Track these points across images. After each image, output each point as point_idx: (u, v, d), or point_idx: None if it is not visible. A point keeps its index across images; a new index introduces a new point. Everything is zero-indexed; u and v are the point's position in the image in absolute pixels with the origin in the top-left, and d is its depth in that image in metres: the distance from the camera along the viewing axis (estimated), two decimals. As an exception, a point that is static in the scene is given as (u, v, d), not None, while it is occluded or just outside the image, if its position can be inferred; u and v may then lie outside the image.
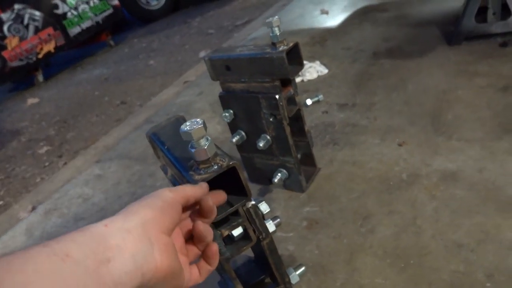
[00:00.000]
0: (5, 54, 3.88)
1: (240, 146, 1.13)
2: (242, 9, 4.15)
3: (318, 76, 1.78)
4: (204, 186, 0.49)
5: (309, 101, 1.05)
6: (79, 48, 4.62)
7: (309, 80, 1.77)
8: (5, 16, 3.94)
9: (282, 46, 0.91)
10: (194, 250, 0.48)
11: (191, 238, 0.49)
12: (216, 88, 2.10)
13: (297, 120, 1.07)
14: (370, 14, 2.33)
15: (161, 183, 1.40)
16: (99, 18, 4.61)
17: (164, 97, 2.26)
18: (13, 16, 3.98)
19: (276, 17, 0.89)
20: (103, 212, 1.34)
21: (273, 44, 0.92)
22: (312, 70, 1.82)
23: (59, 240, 0.35)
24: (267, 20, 0.90)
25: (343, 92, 1.58)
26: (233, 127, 1.11)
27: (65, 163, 2.02)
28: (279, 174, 1.08)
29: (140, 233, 0.40)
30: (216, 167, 0.53)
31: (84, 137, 2.33)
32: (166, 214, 0.44)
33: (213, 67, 1.04)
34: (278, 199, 1.12)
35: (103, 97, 2.87)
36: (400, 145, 1.18)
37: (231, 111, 1.08)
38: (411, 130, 1.23)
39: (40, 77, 4.24)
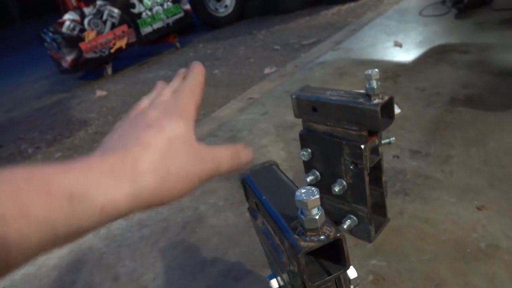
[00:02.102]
0: (82, 45, 4.15)
1: (312, 185, 1.13)
2: (308, 28, 4.16)
3: (389, 115, 1.74)
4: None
5: None
6: (146, 46, 4.85)
7: (379, 118, 1.74)
8: (87, 10, 4.23)
9: (377, 99, 0.90)
10: None
11: None
12: (281, 111, 2.13)
13: (375, 169, 1.05)
14: (448, 54, 2.25)
15: (223, 203, 1.42)
16: (170, 20, 4.82)
17: (227, 111, 2.31)
18: (94, 11, 4.26)
19: (376, 70, 0.89)
20: (166, 223, 1.39)
21: (368, 96, 0.92)
22: (383, 108, 1.78)
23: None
24: (366, 72, 0.89)
25: (416, 138, 1.53)
26: (308, 166, 1.11)
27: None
28: (348, 221, 1.07)
29: None
30: (323, 237, 0.53)
31: (147, 138, 2.43)
32: None
33: (299, 105, 1.05)
34: (342, 244, 1.10)
35: (167, 100, 2.99)
36: (479, 208, 1.12)
37: (309, 151, 1.08)
38: (491, 193, 1.17)
39: (109, 70, 4.50)
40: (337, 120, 0.99)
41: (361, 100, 0.93)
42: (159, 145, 0.42)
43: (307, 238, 0.53)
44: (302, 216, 0.52)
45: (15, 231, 0.29)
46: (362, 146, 0.96)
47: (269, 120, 2.00)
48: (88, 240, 1.40)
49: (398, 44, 2.61)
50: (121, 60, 4.70)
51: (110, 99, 3.46)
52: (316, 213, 0.52)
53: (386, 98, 0.91)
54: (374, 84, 0.89)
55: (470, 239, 1.03)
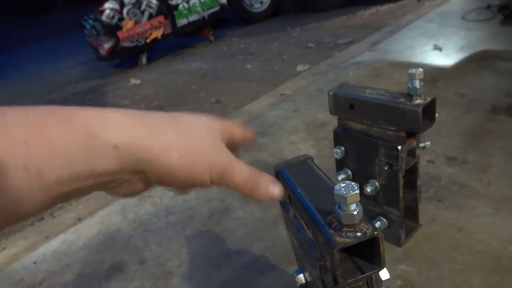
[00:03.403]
0: (119, 34, 4.26)
1: (342, 184, 1.11)
2: (344, 27, 4.10)
3: (425, 119, 1.69)
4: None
5: None
6: (180, 38, 4.92)
7: (414, 122, 1.69)
8: (127, 0, 4.32)
9: (419, 100, 0.88)
10: None
11: None
12: (313, 108, 2.11)
13: (410, 172, 1.03)
14: (491, 60, 2.15)
15: (250, 196, 1.43)
16: (206, 13, 4.86)
17: (258, 106, 2.31)
18: (133, 1, 4.36)
19: (420, 70, 0.86)
20: (192, 212, 1.41)
21: (409, 96, 0.89)
22: (419, 112, 1.73)
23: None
24: (410, 72, 0.87)
25: (452, 144, 1.48)
26: (341, 164, 1.09)
27: (159, 151, 2.15)
28: (378, 223, 1.05)
29: None
30: (359, 233, 0.52)
31: (178, 128, 2.47)
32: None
33: (336, 102, 1.03)
34: (370, 246, 1.08)
35: (199, 92, 3.02)
36: (517, 222, 1.07)
37: (343, 149, 1.06)
38: (533, 207, 1.11)
39: (144, 60, 4.59)
40: (374, 119, 0.96)
41: (402, 100, 0.90)
42: (187, 124, 0.43)
43: (343, 234, 0.52)
44: (339, 211, 0.51)
45: (36, 158, 0.30)
46: (399, 147, 0.93)
47: (300, 117, 1.99)
48: (116, 223, 1.44)
49: (438, 48, 2.53)
50: (156, 51, 4.79)
51: (143, 87, 3.54)
52: (355, 208, 0.51)
53: (428, 99, 0.88)
54: (417, 84, 0.87)
55: (506, 252, 0.98)
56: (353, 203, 0.51)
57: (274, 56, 3.57)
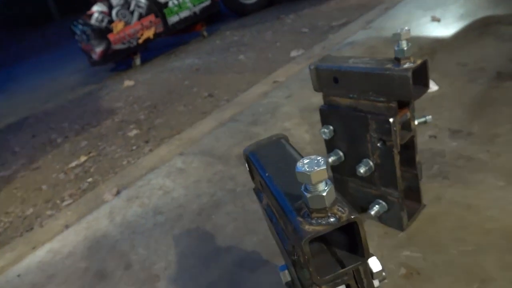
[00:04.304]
0: (110, 36, 4.18)
1: (334, 166, 1.02)
2: (339, 10, 3.97)
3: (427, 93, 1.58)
4: None
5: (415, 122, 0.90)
6: (174, 36, 4.83)
7: (413, 96, 1.58)
8: (115, 1, 4.25)
9: (407, 63, 0.77)
10: None
11: None
12: (307, 93, 2.01)
13: (407, 148, 0.92)
14: (494, 26, 2.02)
15: (241, 189, 1.34)
16: (197, 9, 4.76)
17: (251, 95, 2.22)
18: (121, 2, 4.27)
19: (406, 28, 0.76)
20: (182, 209, 1.32)
21: (397, 60, 0.79)
22: (419, 85, 1.62)
23: None
24: (394, 32, 0.77)
25: (456, 116, 1.37)
26: (331, 145, 0.99)
27: (151, 150, 2.07)
28: (377, 206, 0.95)
29: None
30: (333, 219, 0.42)
31: (171, 125, 2.39)
32: None
33: (319, 77, 0.93)
34: (371, 233, 0.99)
35: (192, 87, 2.93)
36: (532, 193, 0.96)
37: (331, 128, 0.96)
38: (548, 176, 1.00)
39: (138, 61, 4.51)
40: (361, 92, 0.86)
41: (389, 66, 0.80)
42: None
43: (313, 221, 0.43)
44: (306, 193, 0.42)
45: None
46: (391, 120, 0.83)
47: (293, 103, 1.89)
48: (103, 227, 1.36)
49: (435, 19, 2.39)
50: (150, 51, 4.71)
51: (136, 88, 3.46)
52: (323, 189, 0.41)
53: (418, 61, 0.78)
54: (404, 45, 0.76)
55: (522, 229, 0.88)
56: (320, 182, 0.41)
57: (267, 44, 3.47)
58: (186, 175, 1.53)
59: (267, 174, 0.55)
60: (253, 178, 0.67)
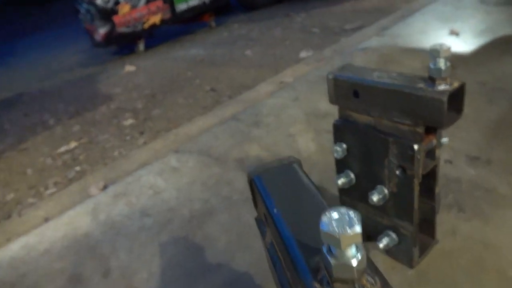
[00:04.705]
0: (115, 19, 4.06)
1: (343, 188, 0.92)
2: (352, 12, 3.85)
3: (441, 111, 1.48)
4: None
5: None
6: (181, 24, 4.71)
7: (429, 113, 1.48)
8: (123, -18, 4.11)
9: (443, 85, 0.67)
10: None
11: None
12: (315, 97, 1.90)
13: (428, 177, 0.83)
14: (516, 45, 1.92)
15: (237, 198, 1.24)
16: (207, -2, 4.63)
17: (255, 93, 2.11)
18: (130, -17, 4.13)
19: (447, 45, 0.66)
20: (171, 214, 1.22)
21: (431, 79, 0.69)
22: (435, 102, 1.52)
23: None
24: (432, 47, 0.66)
25: (474, 140, 1.27)
26: (342, 165, 0.89)
27: (145, 142, 1.97)
28: (386, 238, 0.85)
29: None
30: (360, 293, 0.32)
31: (168, 117, 2.28)
32: None
33: (337, 87, 0.83)
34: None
35: (194, 79, 2.82)
36: (559, 238, 0.87)
37: (344, 146, 0.87)
38: None
39: (141, 46, 4.39)
40: (384, 110, 0.76)
41: (421, 85, 0.70)
42: None
43: (335, 291, 0.33)
44: (329, 258, 0.32)
45: None
46: (416, 147, 0.73)
47: (299, 106, 1.79)
48: (84, 225, 1.26)
49: (454, 32, 2.29)
50: (155, 38, 4.58)
51: (137, 74, 3.35)
52: (353, 255, 0.31)
53: (455, 84, 0.68)
54: (442, 64, 0.66)
55: (548, 279, 0.79)
56: (350, 246, 0.31)
57: (276, 41, 3.35)
58: (180, 175, 1.43)
59: (275, 211, 0.45)
60: (256, 205, 0.57)
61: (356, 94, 0.80)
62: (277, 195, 0.48)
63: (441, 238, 0.93)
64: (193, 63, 3.28)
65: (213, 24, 4.83)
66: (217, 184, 1.33)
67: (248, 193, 1.22)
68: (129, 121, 2.31)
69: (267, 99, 1.95)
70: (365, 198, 0.85)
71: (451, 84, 0.67)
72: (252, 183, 0.54)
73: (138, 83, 3.10)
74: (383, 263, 0.89)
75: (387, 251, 0.89)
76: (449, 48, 0.66)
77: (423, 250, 0.89)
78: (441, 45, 0.66)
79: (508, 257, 0.85)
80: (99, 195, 1.42)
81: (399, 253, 0.87)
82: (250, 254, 1.01)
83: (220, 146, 1.58)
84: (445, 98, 0.66)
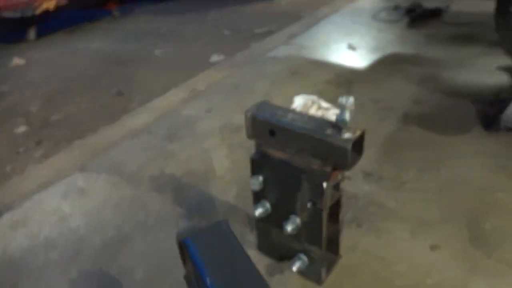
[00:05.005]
0: (-1, 1, 3.54)
1: (260, 217, 0.98)
2: (261, 15, 3.96)
3: (342, 127, 1.64)
4: None
5: None
6: (80, 10, 4.31)
7: (331, 129, 1.63)
8: (7, -39, 3.60)
9: (347, 134, 0.76)
10: None
11: None
12: (228, 108, 1.94)
13: (334, 205, 0.92)
14: (401, 65, 2.20)
15: (153, 222, 1.22)
16: (110, -15, 4.32)
17: (166, 102, 2.06)
18: (16, -37, 3.64)
19: (352, 99, 0.74)
20: (81, 244, 1.15)
21: (337, 127, 0.77)
22: (336, 118, 1.68)
23: None
24: (340, 101, 0.74)
25: (369, 157, 1.44)
26: (259, 195, 0.95)
27: (44, 156, 1.79)
28: (298, 262, 0.94)
29: None
30: None
31: (70, 124, 2.10)
32: None
33: (254, 126, 0.88)
34: (289, 284, 0.97)
35: (99, 79, 2.63)
36: (433, 248, 1.05)
37: (261, 179, 0.92)
38: (445, 230, 1.11)
39: (32, 34, 3.91)
40: (298, 150, 0.83)
41: (329, 131, 0.78)
42: None
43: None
44: None
45: None
46: (324, 185, 0.81)
47: (213, 119, 1.80)
48: (-25, 262, 1.12)
49: (352, 47, 2.53)
50: (49, 23, 4.10)
51: (30, 69, 2.99)
52: None
53: (358, 133, 0.77)
54: (347, 116, 0.75)
55: (425, 287, 0.95)
56: None
57: (186, 41, 3.29)
58: (88, 199, 1.34)
59: (209, 281, 0.48)
60: (184, 263, 0.58)
61: (272, 133, 0.85)
62: (209, 261, 0.51)
63: (344, 253, 1.05)
64: (96, 59, 3.05)
65: (117, 13, 4.51)
66: (130, 208, 1.29)
67: (164, 216, 1.22)
68: (22, 128, 2.07)
69: (180, 110, 1.93)
70: (279, 225, 0.92)
71: (354, 133, 0.77)
72: (181, 244, 0.55)
73: (31, 80, 2.77)
74: (296, 281, 0.98)
75: (299, 271, 0.98)
76: (352, 102, 0.74)
77: (330, 267, 0.99)
78: (346, 98, 0.74)
79: (396, 269, 1.00)
80: (-9, 224, 1.26)
81: (310, 273, 0.97)
82: (171, 284, 1.01)
83: (131, 163, 1.52)
84: (349, 146, 0.74)
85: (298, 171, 0.84)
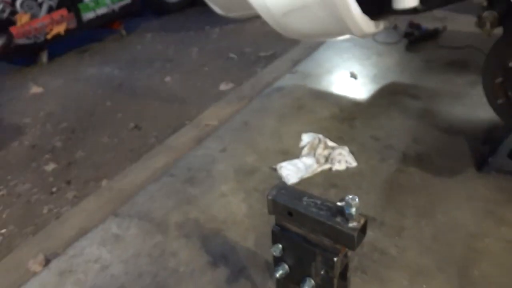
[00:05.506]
0: (13, 30, 3.71)
1: (280, 278, 1.15)
2: (264, 34, 4.09)
3: (347, 168, 1.81)
4: None
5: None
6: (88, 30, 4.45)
7: (337, 170, 1.80)
8: (19, -10, 3.75)
9: (354, 223, 0.93)
10: None
11: None
12: (240, 148, 2.10)
13: (343, 269, 1.09)
14: (400, 97, 2.35)
15: (184, 269, 1.39)
16: (116, 6, 4.48)
17: (182, 139, 2.23)
18: (28, -9, 3.79)
19: (357, 199, 0.90)
20: (122, 293, 1.33)
21: (346, 217, 0.94)
22: (342, 159, 1.84)
23: None
24: (347, 199, 0.91)
25: (372, 201, 1.61)
26: (278, 259, 1.12)
27: (76, 196, 1.97)
28: (314, 315, 1.11)
29: None
30: None
31: (95, 162, 2.27)
32: None
33: (275, 206, 1.04)
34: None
35: (115, 112, 2.80)
36: (428, 296, 1.22)
37: (281, 247, 1.09)
38: (439, 278, 1.28)
39: (44, 58, 4.09)
40: (312, 229, 1.00)
41: (338, 219, 0.94)
42: None
43: None
44: None
45: None
46: (335, 259, 0.98)
47: (228, 160, 1.97)
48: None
49: (353, 76, 2.68)
50: (58, 44, 4.24)
51: (47, 99, 3.15)
52: None
53: (362, 221, 0.94)
54: (354, 211, 0.91)
55: (421, 333, 1.12)
56: None
57: (194, 67, 3.43)
58: (124, 245, 1.52)
59: None
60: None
61: (290, 213, 1.02)
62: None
63: (352, 302, 1.22)
64: (110, 87, 3.20)
65: (123, 32, 4.66)
66: (162, 255, 1.46)
67: (193, 264, 1.38)
68: (51, 166, 2.24)
69: (196, 149, 2.09)
70: (297, 282, 1.09)
71: (359, 221, 0.93)
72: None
73: (51, 111, 2.94)
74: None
75: (314, 322, 1.15)
76: (357, 202, 0.91)
77: (339, 318, 1.16)
78: (353, 198, 0.90)
79: (397, 317, 1.17)
80: (42, 272, 1.44)
81: (323, 323, 1.14)
82: (204, 331, 1.18)
83: (158, 208, 1.70)
84: (355, 234, 0.91)
85: (313, 246, 1.01)
